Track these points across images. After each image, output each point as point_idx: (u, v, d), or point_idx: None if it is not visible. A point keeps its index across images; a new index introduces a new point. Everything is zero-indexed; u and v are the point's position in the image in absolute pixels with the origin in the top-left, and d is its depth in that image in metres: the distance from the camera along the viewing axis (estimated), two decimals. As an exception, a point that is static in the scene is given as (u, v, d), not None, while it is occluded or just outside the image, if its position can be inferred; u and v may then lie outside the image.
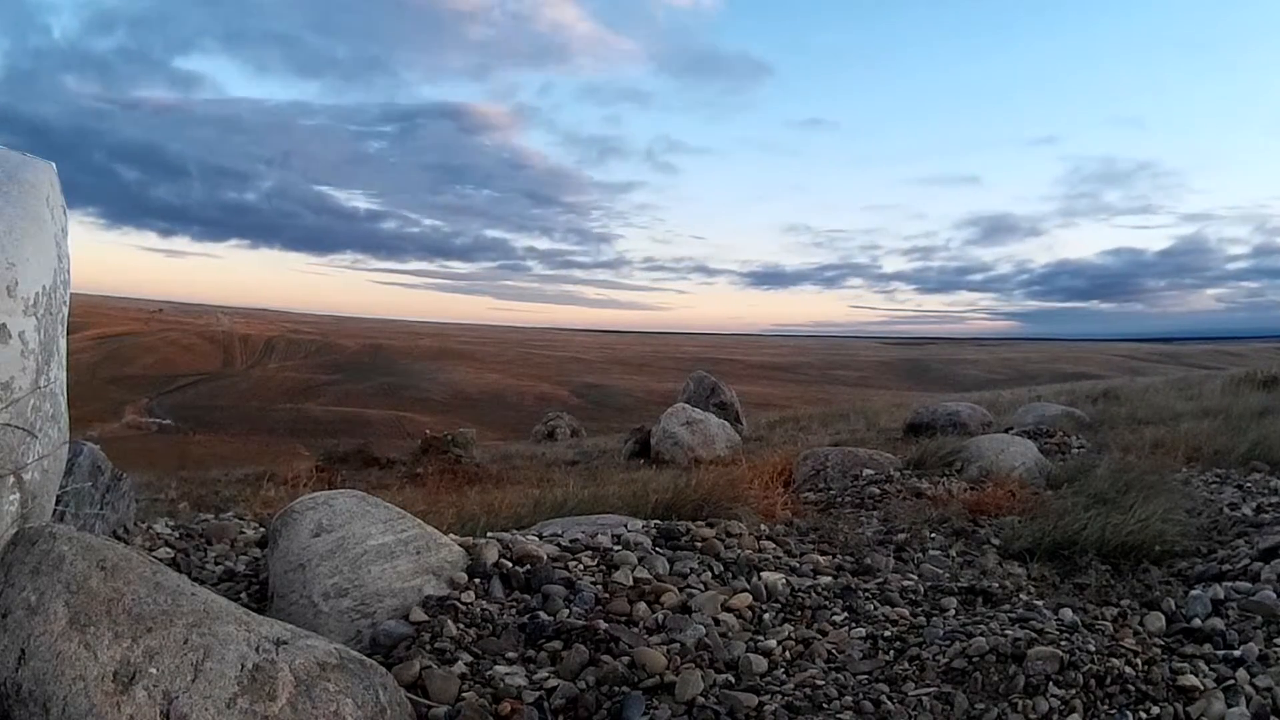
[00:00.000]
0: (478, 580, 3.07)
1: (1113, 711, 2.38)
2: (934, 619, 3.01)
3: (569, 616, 2.83)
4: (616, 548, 3.52)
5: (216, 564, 3.63)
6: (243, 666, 1.97)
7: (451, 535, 3.43)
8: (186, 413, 60.70)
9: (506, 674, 2.47)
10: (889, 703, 2.36)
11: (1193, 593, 3.30)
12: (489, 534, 3.66)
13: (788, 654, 2.74)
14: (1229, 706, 2.42)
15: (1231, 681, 2.54)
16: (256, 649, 2.03)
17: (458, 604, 2.86)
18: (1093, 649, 2.61)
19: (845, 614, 3.08)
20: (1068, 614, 3.01)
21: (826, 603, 3.18)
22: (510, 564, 3.20)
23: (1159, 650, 2.76)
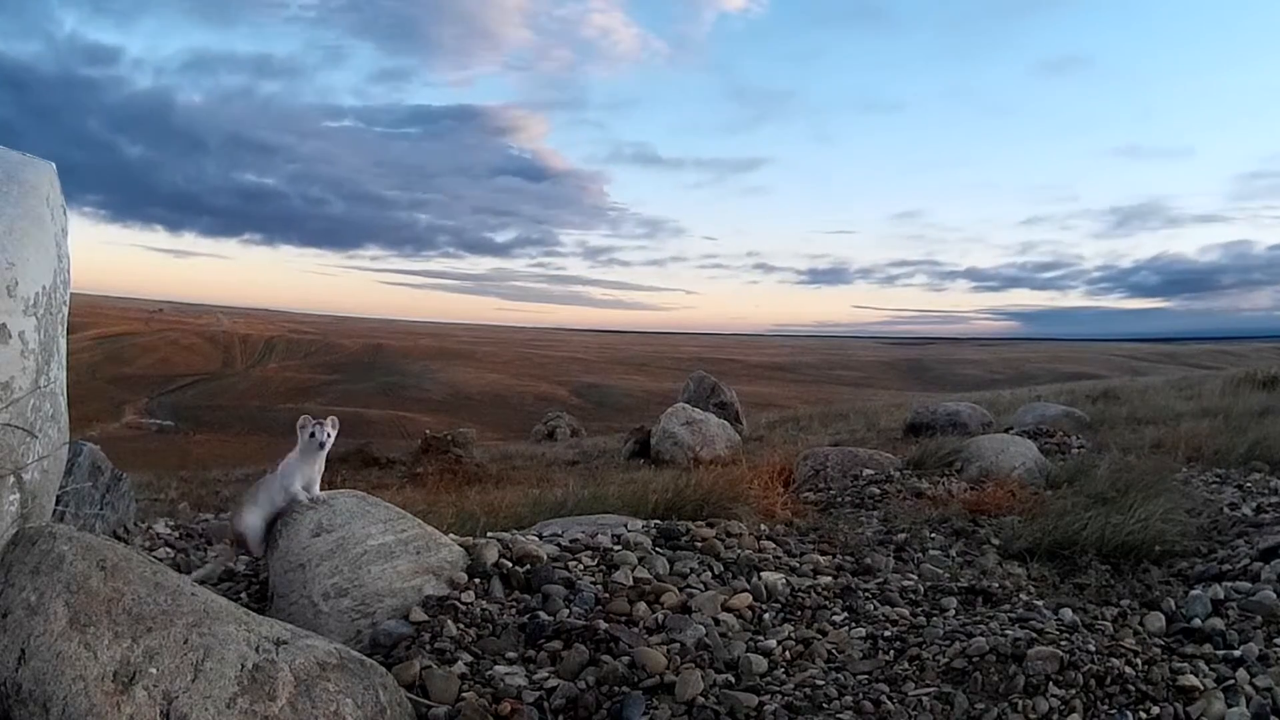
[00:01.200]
0: (478, 580, 3.07)
1: (1113, 711, 2.38)
2: (934, 619, 3.02)
3: (569, 616, 2.83)
4: (616, 548, 3.52)
5: (216, 564, 3.63)
6: (243, 666, 1.97)
7: (451, 535, 3.43)
8: (186, 413, 60.71)
9: (506, 674, 2.47)
10: (889, 703, 2.36)
11: (1193, 593, 3.30)
12: (489, 534, 3.66)
13: (788, 654, 2.74)
14: (1229, 706, 2.42)
15: (1231, 681, 2.54)
16: (256, 649, 2.03)
17: (458, 604, 2.86)
18: (1093, 649, 2.61)
19: (845, 614, 3.08)
20: (1068, 614, 3.01)
21: (826, 603, 3.18)
22: (510, 564, 3.20)
23: (1159, 650, 2.76)
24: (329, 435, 3.04)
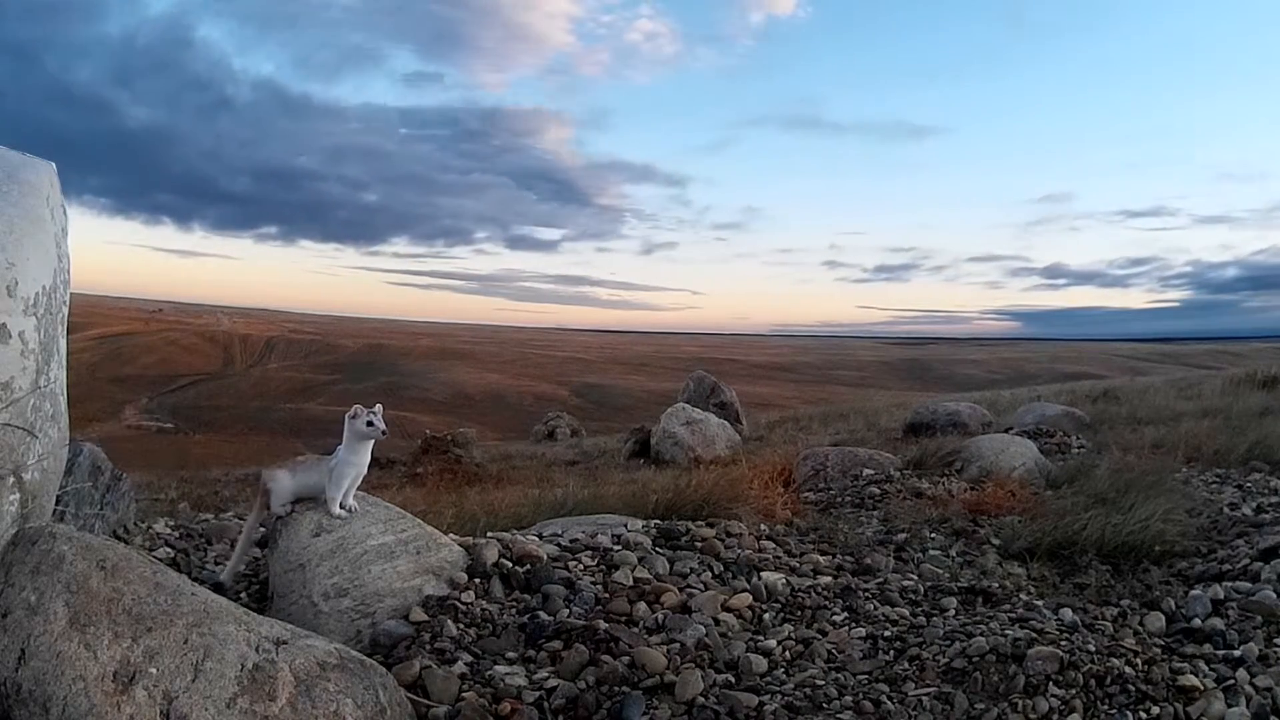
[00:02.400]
0: (478, 580, 3.07)
1: (1113, 711, 2.38)
2: (934, 619, 3.02)
3: (569, 616, 2.84)
4: (616, 548, 3.52)
5: (216, 564, 3.63)
6: (243, 666, 1.97)
7: (451, 535, 3.43)
8: (186, 413, 60.75)
9: (506, 674, 2.47)
10: (889, 703, 2.36)
11: (1193, 593, 3.30)
12: (489, 534, 3.67)
13: (788, 654, 2.74)
14: (1229, 706, 2.42)
15: (1231, 681, 2.54)
16: (256, 649, 2.03)
17: (458, 604, 2.86)
18: (1093, 649, 2.61)
19: (845, 614, 3.08)
20: (1068, 614, 3.01)
21: (826, 603, 3.18)
22: (510, 564, 3.21)
23: (1159, 650, 2.76)
24: (385, 424, 2.99)
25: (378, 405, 3.02)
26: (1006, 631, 2.74)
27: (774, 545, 3.85)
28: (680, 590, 3.13)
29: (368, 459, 3.07)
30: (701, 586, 3.23)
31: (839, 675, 2.57)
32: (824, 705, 2.38)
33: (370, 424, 2.95)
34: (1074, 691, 2.41)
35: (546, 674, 2.49)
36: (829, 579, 3.44)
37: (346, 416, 3.00)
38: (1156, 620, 3.06)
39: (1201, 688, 2.49)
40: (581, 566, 3.31)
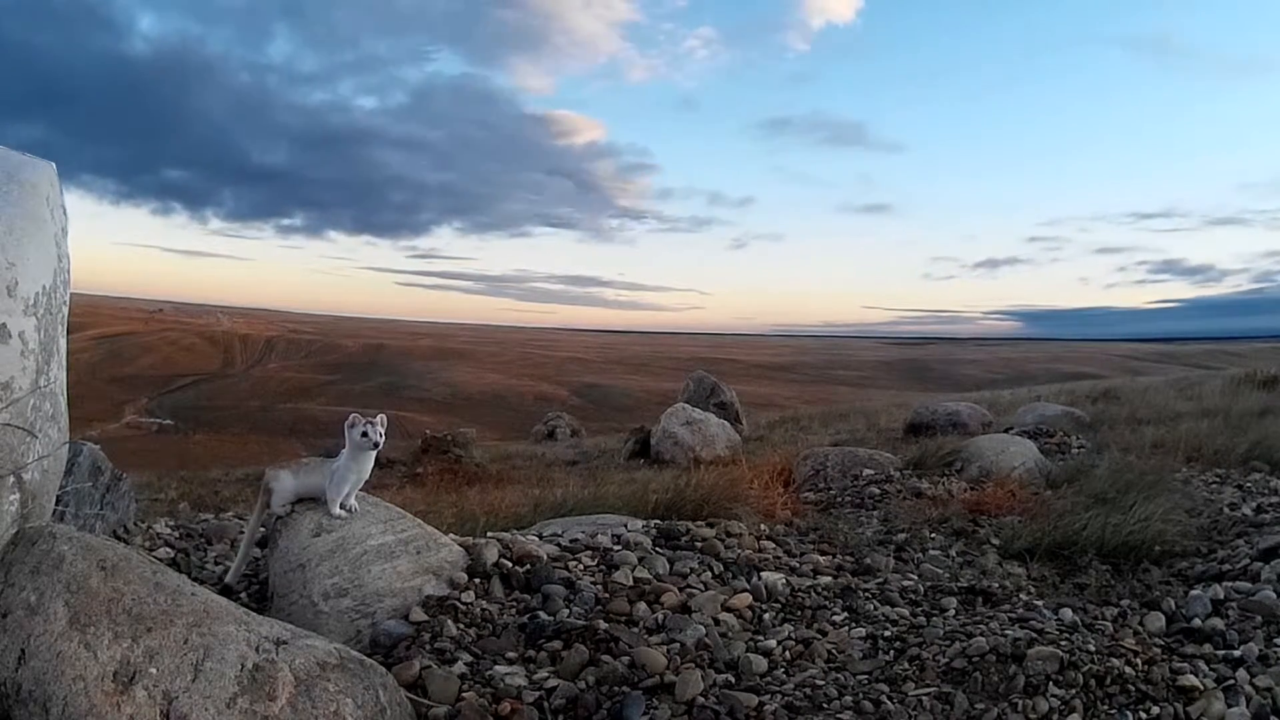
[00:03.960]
0: (478, 580, 3.07)
1: (1113, 711, 2.38)
2: (934, 619, 3.02)
3: (569, 616, 2.84)
4: (616, 548, 3.52)
5: (216, 564, 3.63)
6: (243, 666, 1.97)
7: (451, 535, 3.43)
8: (186, 413, 60.73)
9: (506, 674, 2.47)
10: (889, 703, 2.36)
11: (1193, 593, 3.30)
12: (489, 534, 3.67)
13: (788, 654, 2.74)
14: (1229, 706, 2.42)
15: (1231, 681, 2.54)
16: (256, 649, 2.03)
17: (458, 604, 2.86)
18: (1093, 649, 2.61)
19: (845, 614, 3.08)
20: (1068, 614, 3.01)
21: (826, 603, 3.18)
22: (510, 564, 3.21)
23: (1159, 650, 2.76)
24: (381, 435, 2.97)
25: (380, 415, 3.01)
26: (1006, 631, 2.74)
27: (774, 545, 3.85)
28: (680, 590, 3.13)
29: (369, 467, 3.08)
30: (701, 586, 3.23)
31: (839, 675, 2.57)
32: (824, 705, 2.38)
33: (364, 435, 2.95)
34: (1074, 691, 2.41)
35: (546, 674, 2.49)
36: (829, 579, 3.44)
37: (345, 425, 3.01)
38: (1156, 620, 3.06)
39: (1201, 688, 2.49)
40: (581, 566, 3.31)
